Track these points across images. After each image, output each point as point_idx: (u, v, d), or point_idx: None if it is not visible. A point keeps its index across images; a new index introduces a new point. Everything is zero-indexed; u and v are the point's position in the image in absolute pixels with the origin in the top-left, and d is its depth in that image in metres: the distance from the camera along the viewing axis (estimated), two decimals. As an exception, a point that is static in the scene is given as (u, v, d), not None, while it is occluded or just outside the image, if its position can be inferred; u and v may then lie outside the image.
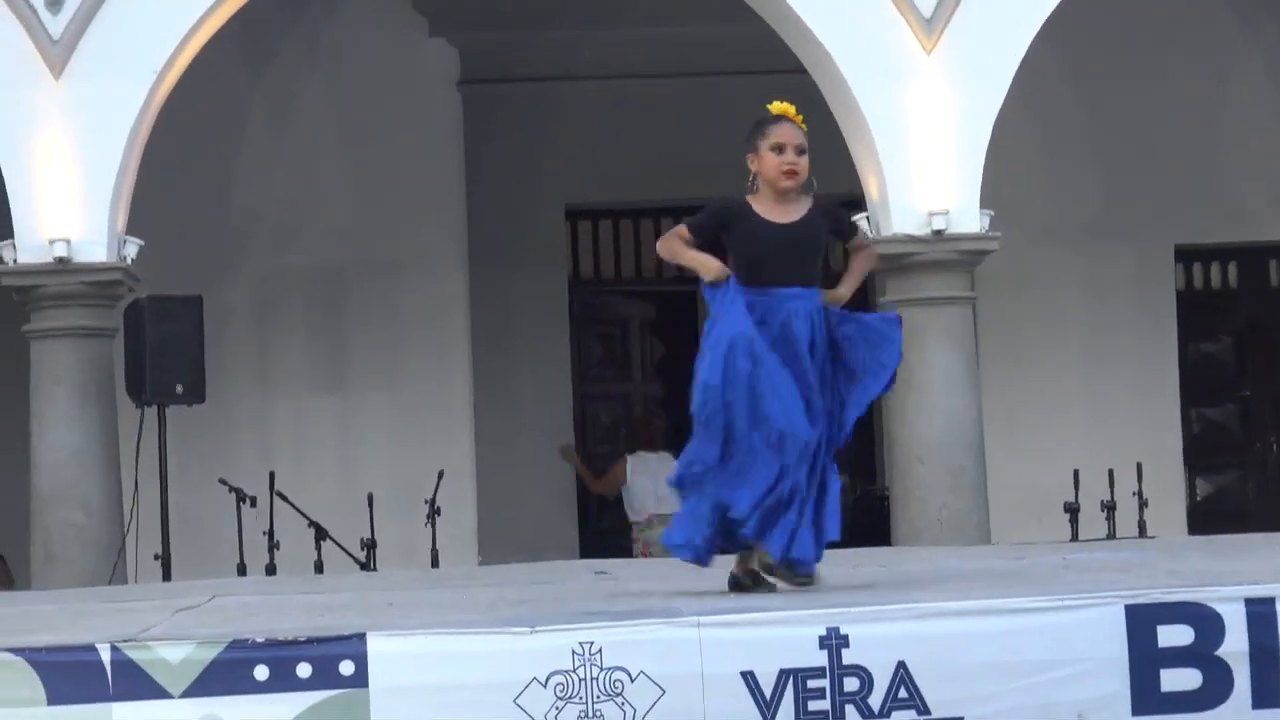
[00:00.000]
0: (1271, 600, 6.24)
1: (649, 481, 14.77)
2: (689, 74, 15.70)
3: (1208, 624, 6.20)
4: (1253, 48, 16.09)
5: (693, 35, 15.51)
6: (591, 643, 6.00)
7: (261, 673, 5.93)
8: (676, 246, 7.23)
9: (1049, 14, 12.27)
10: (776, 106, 7.35)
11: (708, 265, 7.14)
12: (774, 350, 7.04)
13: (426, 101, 15.84)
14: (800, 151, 7.21)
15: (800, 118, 7.32)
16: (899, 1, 12.06)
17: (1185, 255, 16.24)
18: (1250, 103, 16.09)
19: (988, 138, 12.14)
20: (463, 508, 15.31)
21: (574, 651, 5.99)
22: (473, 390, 15.79)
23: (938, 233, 11.93)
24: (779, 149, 7.20)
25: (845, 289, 7.28)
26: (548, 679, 5.98)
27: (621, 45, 15.75)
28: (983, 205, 12.10)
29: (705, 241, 7.23)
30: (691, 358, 18.65)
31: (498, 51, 15.82)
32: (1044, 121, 15.75)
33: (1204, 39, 15.98)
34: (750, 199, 7.25)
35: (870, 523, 14.29)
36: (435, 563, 13.71)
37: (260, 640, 5.97)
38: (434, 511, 13.85)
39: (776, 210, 7.18)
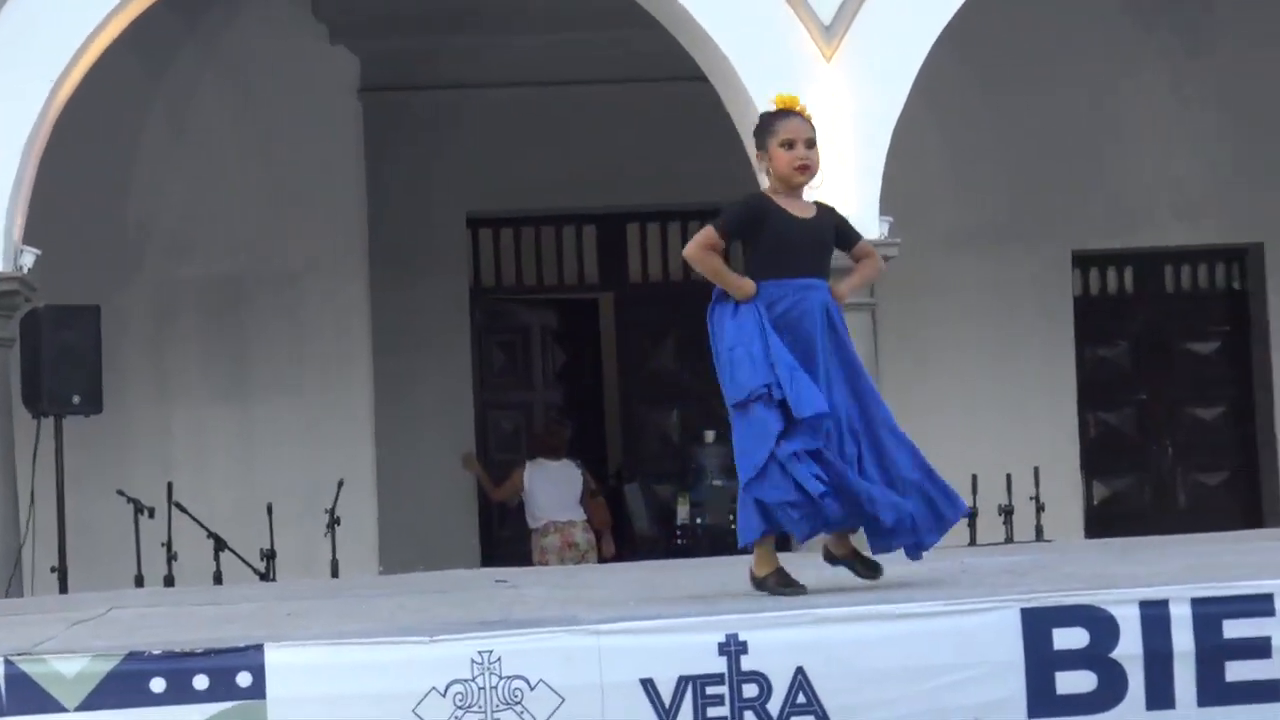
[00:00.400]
0: (1165, 603, 6.30)
1: (549, 488, 14.78)
2: (589, 81, 15.72)
3: (1102, 627, 6.25)
4: (1152, 55, 16.23)
5: (593, 43, 15.52)
6: (490, 651, 5.99)
7: (158, 685, 5.89)
8: (716, 264, 7.13)
9: (949, 21, 12.33)
10: (781, 99, 7.27)
11: (744, 289, 7.10)
12: (786, 335, 7.07)
13: (327, 109, 15.78)
14: (810, 145, 7.16)
15: (804, 108, 7.26)
16: (798, 8, 12.10)
17: (1083, 261, 16.37)
18: (1149, 110, 16.24)
19: (887, 144, 12.18)
20: (363, 517, 15.25)
21: (473, 660, 5.98)
22: (373, 398, 15.74)
23: (838, 239, 11.93)
24: (789, 145, 7.13)
25: (846, 288, 7.24)
26: (447, 688, 5.97)
27: (522, 53, 15.74)
28: (884, 211, 12.14)
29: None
30: (592, 366, 18.76)
31: (398, 59, 15.78)
32: (946, 128, 15.85)
33: (1104, 46, 16.12)
34: (767, 194, 7.20)
35: (772, 529, 14.32)
36: (335, 572, 13.67)
37: (157, 652, 5.94)
38: (334, 521, 13.80)
39: (793, 205, 7.15)
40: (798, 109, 7.21)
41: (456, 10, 15.57)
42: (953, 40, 12.72)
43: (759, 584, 7.05)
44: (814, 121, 7.22)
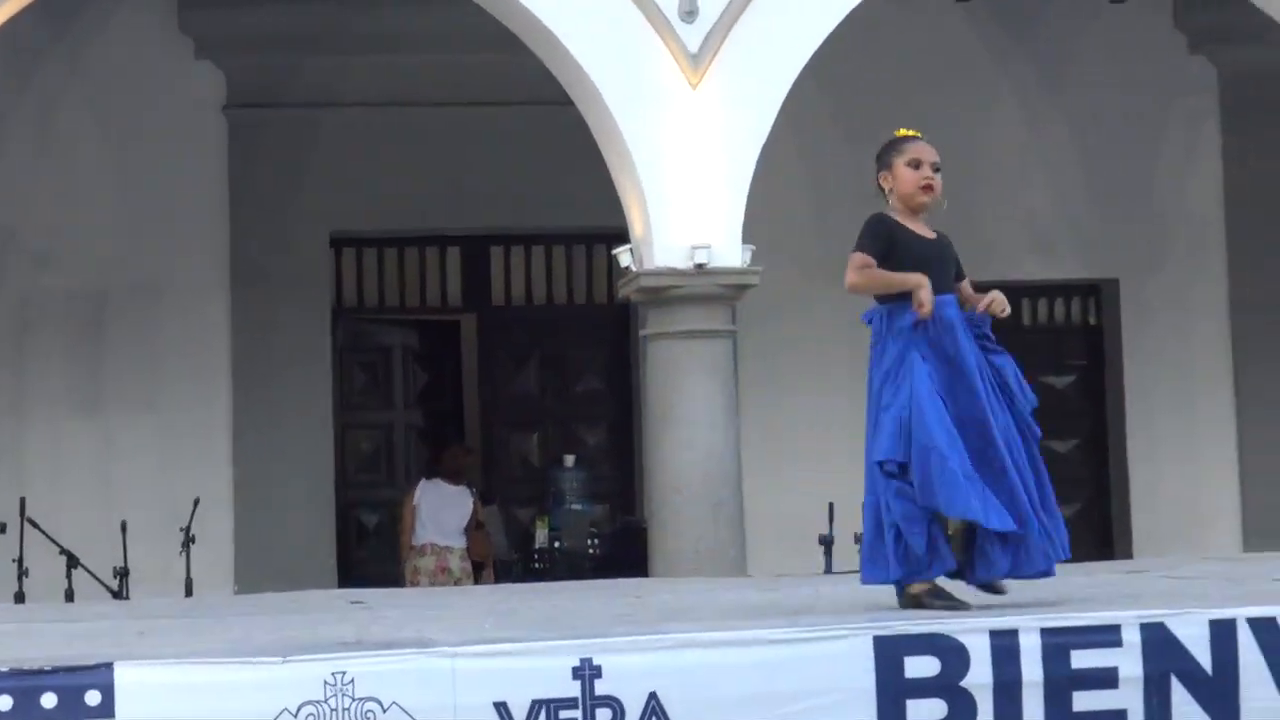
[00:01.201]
0: (1015, 633, 6.37)
1: (436, 511, 14.74)
2: (456, 103, 15.70)
3: (953, 655, 6.31)
4: (1007, 92, 16.44)
5: (461, 65, 15.52)
6: (344, 673, 5.97)
7: (5, 703, 5.82)
8: (879, 273, 7.15)
9: (813, 53, 12.42)
10: (905, 131, 7.42)
11: (919, 280, 7.07)
12: (935, 356, 7.14)
13: (191, 125, 15.68)
14: (936, 169, 7.26)
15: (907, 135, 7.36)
16: (666, 36, 12.16)
17: (943, 292, 16.51)
18: (1005, 144, 16.44)
19: (751, 173, 12.26)
20: (220, 535, 15.14)
21: (326, 682, 5.95)
22: (232, 417, 15.63)
23: (700, 266, 12.02)
24: (915, 164, 7.25)
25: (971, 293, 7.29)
26: (299, 709, 5.93)
27: (389, 73, 15.71)
28: (746, 239, 12.21)
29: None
30: (453, 388, 18.64)
31: (265, 76, 15.70)
32: (811, 158, 15.96)
33: (961, 81, 16.30)
34: (888, 215, 7.26)
35: (628, 553, 14.37)
36: (190, 591, 13.55)
37: (5, 670, 5.87)
38: (189, 539, 13.68)
39: (915, 226, 7.23)
40: (921, 138, 7.32)
41: (324, 28, 15.52)
42: (816, 72, 12.82)
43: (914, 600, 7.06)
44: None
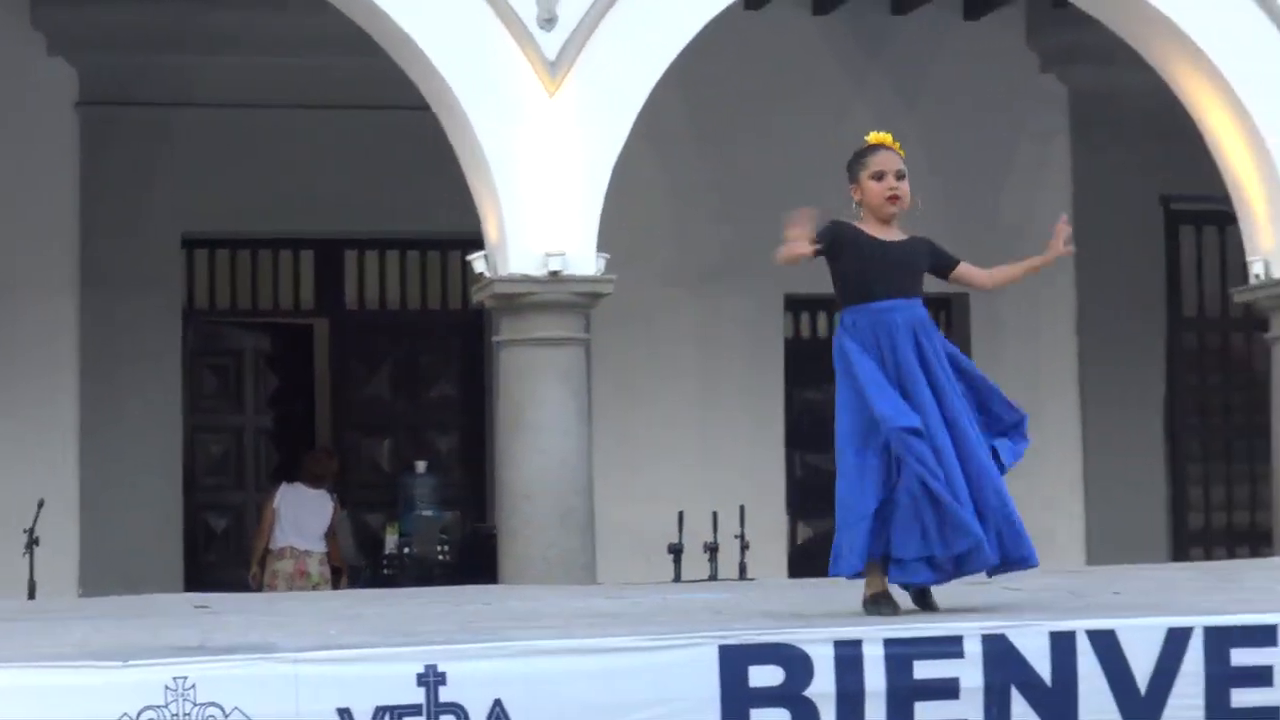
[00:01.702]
0: (859, 643, 6.43)
1: (296, 514, 14.69)
2: (313, 106, 15.62)
3: (797, 665, 6.36)
4: (862, 103, 16.53)
5: (317, 67, 15.43)
6: (185, 678, 5.92)
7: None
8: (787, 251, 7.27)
9: (670, 63, 12.46)
10: (874, 136, 7.52)
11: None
12: (872, 356, 7.26)
13: (43, 121, 15.49)
14: (900, 176, 7.41)
15: (898, 145, 7.49)
16: (523, 42, 12.16)
17: (795, 304, 16.63)
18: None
19: (607, 180, 12.28)
20: (65, 537, 14.95)
21: (167, 687, 5.90)
22: (80, 417, 15.45)
23: (554, 274, 12.02)
24: (879, 176, 7.38)
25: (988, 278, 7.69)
26: (139, 714, 5.88)
27: (245, 74, 15.60)
28: (601, 248, 12.23)
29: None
30: (305, 392, 18.58)
31: (118, 74, 15.54)
32: (667, 168, 16.01)
33: (817, 93, 16.39)
34: (857, 224, 7.41)
35: (478, 560, 14.35)
36: (32, 594, 13.38)
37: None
38: (32, 541, 13.50)
39: (883, 231, 7.36)
40: (889, 144, 7.46)
41: (179, 27, 15.39)
42: (675, 81, 12.87)
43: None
44: (904, 156, 7.50)
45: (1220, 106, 13.07)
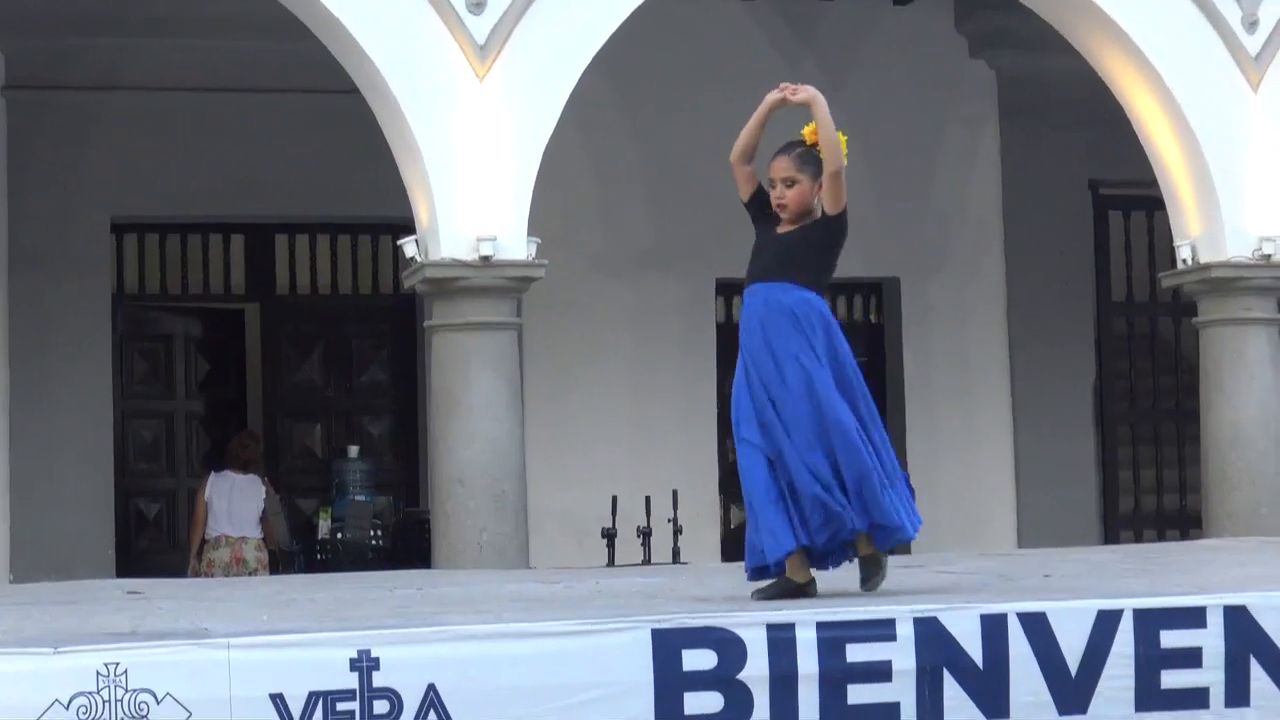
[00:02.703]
0: (791, 626, 6.45)
1: (227, 501, 14.60)
2: (242, 89, 15.55)
3: (730, 649, 6.38)
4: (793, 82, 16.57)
5: (246, 50, 15.37)
6: (117, 664, 5.90)
7: None
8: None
9: (602, 45, 12.46)
10: (807, 131, 7.81)
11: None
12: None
13: (-32, 105, 15.40)
14: (789, 184, 7.60)
15: (807, 134, 7.77)
16: (452, 26, 12.13)
17: (726, 288, 16.64)
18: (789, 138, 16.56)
19: (538, 165, 12.27)
20: (-6, 523, 14.88)
21: (99, 673, 5.88)
22: (8, 403, 15.36)
23: (485, 258, 12.01)
24: (773, 184, 7.64)
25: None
26: (70, 701, 5.85)
27: (173, 57, 15.52)
28: (532, 232, 12.22)
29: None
30: (236, 377, 18.45)
31: (45, 58, 15.44)
32: (597, 153, 16.02)
33: (751, 78, 16.32)
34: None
35: (412, 545, 14.34)
36: (-38, 581, 13.32)
37: None
38: (-38, 527, 13.44)
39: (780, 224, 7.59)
40: (798, 142, 7.75)
41: (105, 10, 15.29)
42: (604, 65, 12.87)
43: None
44: (811, 150, 7.74)
45: (1147, 92, 13.15)
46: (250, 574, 14.45)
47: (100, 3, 15.27)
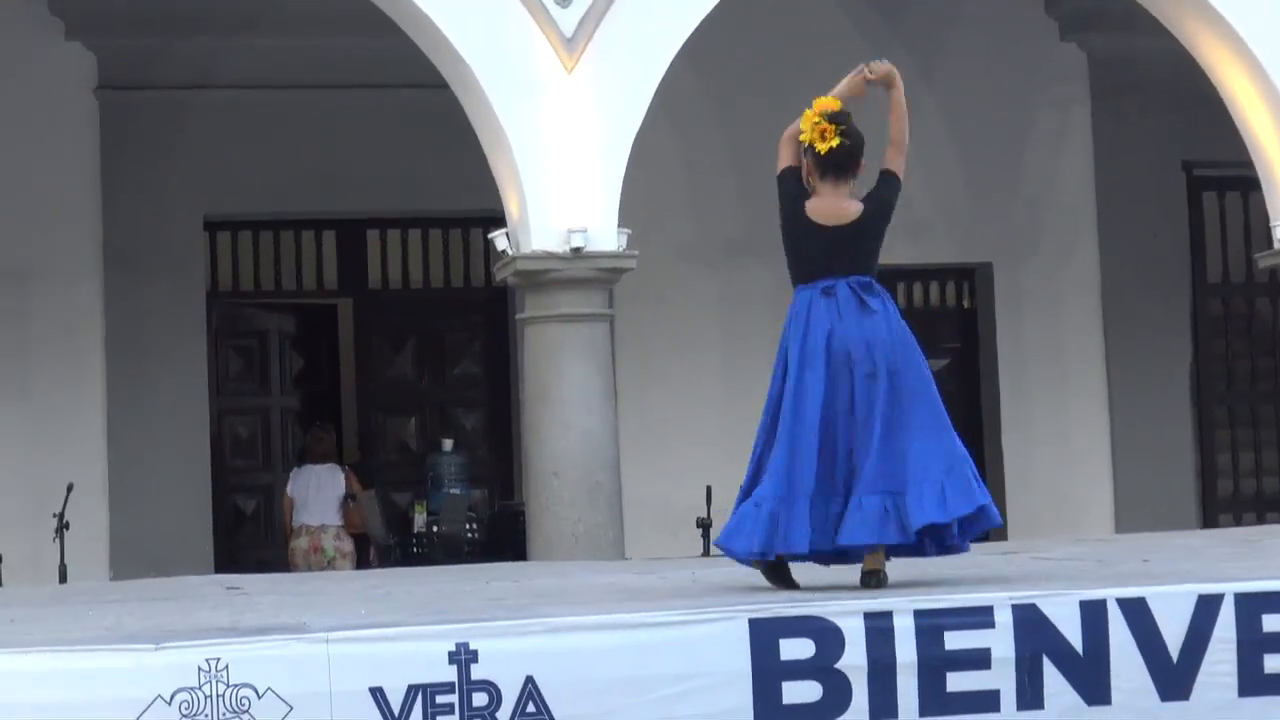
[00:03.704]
0: (889, 615, 6.43)
1: (307, 493, 14.90)
2: (332, 86, 15.61)
3: (828, 637, 6.36)
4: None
5: (336, 47, 15.42)
6: (218, 659, 5.94)
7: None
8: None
9: (689, 36, 12.45)
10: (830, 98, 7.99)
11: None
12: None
13: (62, 106, 15.50)
14: None
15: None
16: (540, 19, 12.15)
17: (817, 276, 16.59)
18: (880, 128, 16.48)
19: (627, 156, 12.27)
20: (95, 522, 14.98)
21: (200, 668, 5.93)
22: (106, 401, 15.48)
23: (576, 250, 12.02)
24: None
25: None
26: (172, 696, 5.91)
27: (263, 55, 15.59)
28: (622, 223, 12.22)
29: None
30: (330, 373, 18.53)
31: (136, 57, 15.54)
32: (685, 142, 16.00)
33: (837, 65, 16.20)
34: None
35: (507, 537, 14.37)
36: (64, 578, 13.42)
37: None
38: (62, 525, 13.54)
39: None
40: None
41: (195, 9, 15.38)
42: (691, 55, 12.85)
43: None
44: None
45: (1240, 71, 13.02)
46: (329, 562, 14.65)
47: (190, 2, 15.37)
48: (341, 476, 15.06)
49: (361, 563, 15.06)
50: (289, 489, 15.10)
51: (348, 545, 14.96)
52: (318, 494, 14.93)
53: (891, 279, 16.66)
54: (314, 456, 15.22)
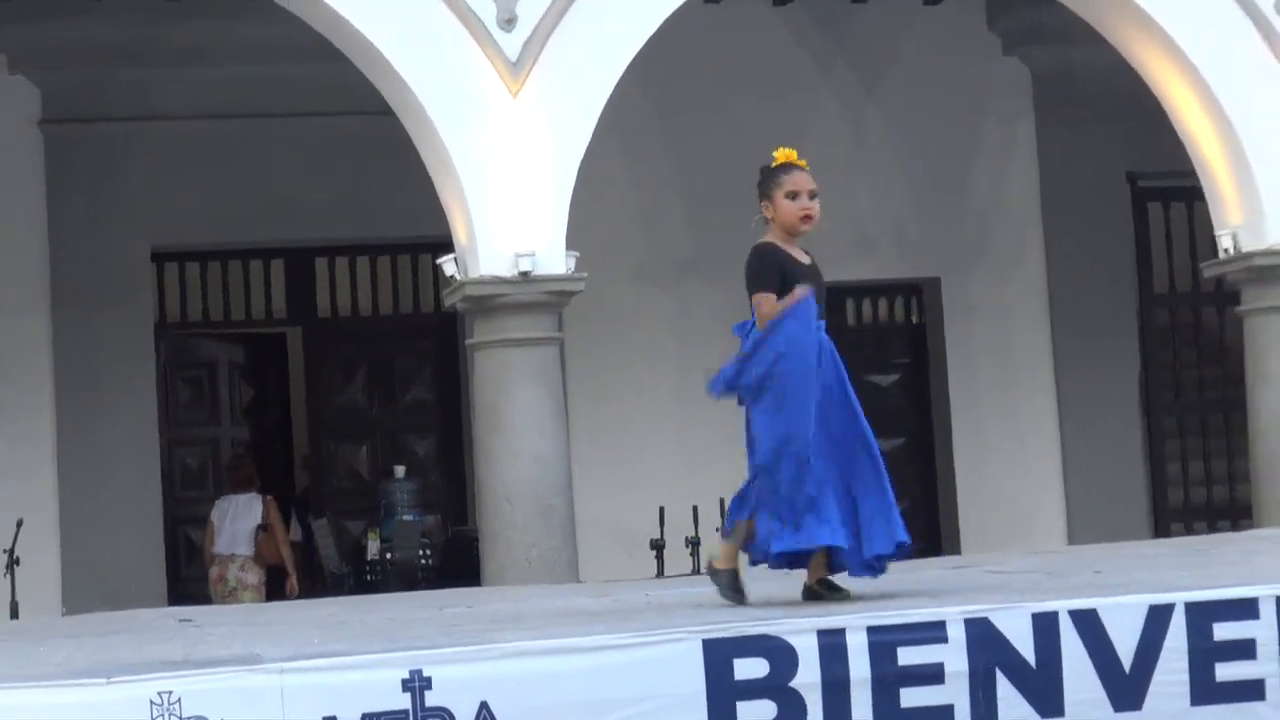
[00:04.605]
0: (841, 632, 6.43)
1: (225, 523, 14.87)
2: (277, 115, 15.61)
3: (781, 656, 6.36)
4: (827, 92, 16.58)
5: (280, 75, 15.42)
6: (170, 692, 5.92)
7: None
8: (778, 307, 7.45)
9: (634, 57, 12.46)
10: (783, 153, 7.65)
11: (802, 291, 7.41)
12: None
13: (6, 140, 15.47)
14: (813, 196, 7.57)
15: (804, 162, 7.63)
16: (485, 44, 12.15)
17: (768, 295, 16.61)
18: (829, 147, 16.55)
19: (574, 179, 12.28)
20: (46, 556, 14.92)
21: (152, 701, 5.90)
22: (56, 435, 15.42)
23: (524, 274, 12.02)
24: (794, 196, 7.54)
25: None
26: (126, 730, 5.88)
27: (208, 85, 15.58)
28: (571, 246, 12.23)
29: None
30: (280, 401, 18.44)
31: (81, 90, 15.51)
32: (634, 164, 16.02)
33: (782, 83, 16.41)
34: (775, 240, 7.56)
35: (461, 563, 14.35)
36: (15, 614, 13.36)
37: None
38: (13, 561, 13.48)
39: (795, 252, 7.55)
40: (799, 163, 7.59)
41: (139, 41, 15.36)
42: (637, 76, 12.87)
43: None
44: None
45: (1183, 82, 13.10)
46: (230, 592, 14.63)
47: (133, 34, 15.34)
48: (259, 506, 15.02)
49: (273, 595, 14.96)
50: (212, 518, 15.09)
51: (252, 577, 14.91)
52: (231, 523, 14.96)
53: (840, 295, 16.78)
54: (233, 484, 15.21)
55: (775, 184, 7.60)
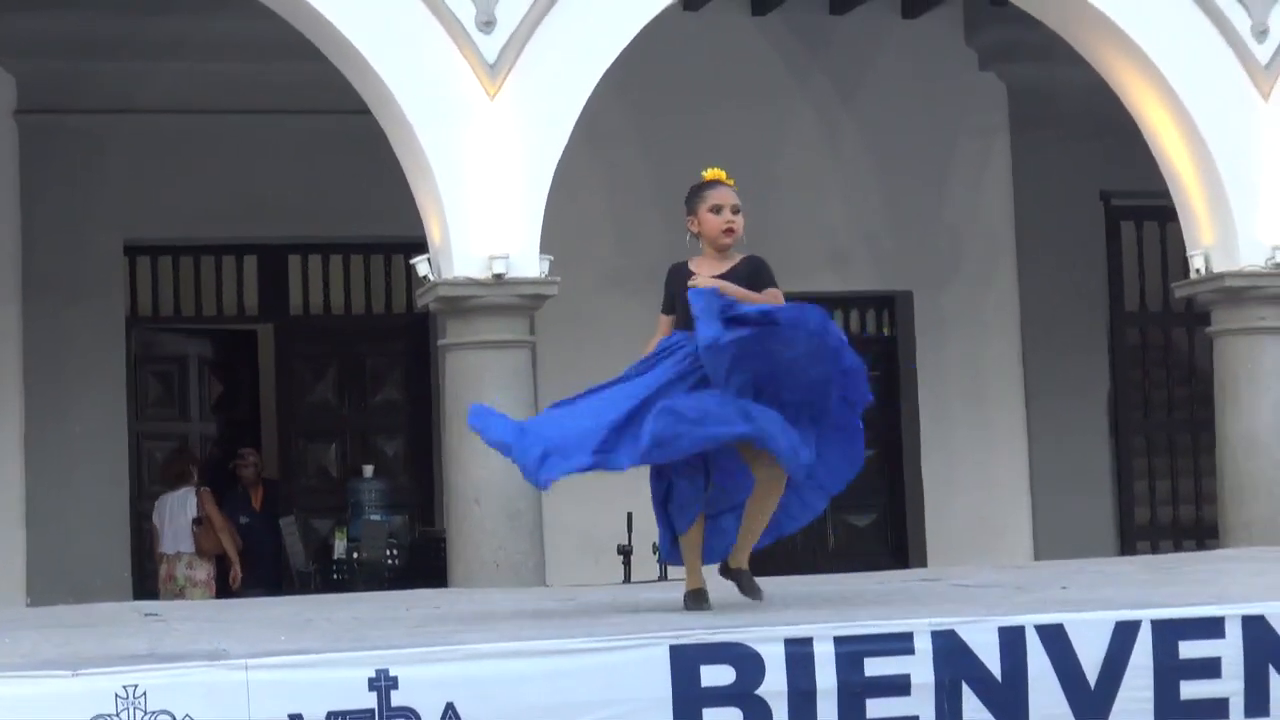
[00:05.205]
0: (809, 641, 6.44)
1: (164, 521, 14.87)
2: (253, 111, 15.59)
3: (748, 664, 6.37)
4: (804, 102, 16.61)
5: (257, 72, 15.40)
6: (136, 685, 5.90)
7: None
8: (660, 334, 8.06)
9: (612, 62, 12.47)
10: (711, 172, 7.96)
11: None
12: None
13: (-20, 130, 15.44)
14: (735, 210, 7.84)
15: (732, 181, 7.93)
16: (463, 45, 12.15)
17: (740, 304, 16.62)
18: (802, 157, 16.60)
19: (549, 182, 12.27)
20: (11, 548, 14.90)
21: (117, 695, 5.89)
22: (24, 427, 15.38)
23: (498, 276, 12.02)
24: (717, 210, 7.83)
25: (734, 289, 7.68)
26: (90, 723, 5.86)
27: (184, 80, 15.55)
28: (545, 249, 12.23)
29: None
30: (250, 398, 18.43)
31: (56, 81, 15.48)
32: (609, 169, 16.03)
33: (759, 94, 16.44)
34: (693, 260, 7.91)
35: (428, 564, 14.33)
36: (-20, 605, 13.34)
37: None
38: (-22, 551, 13.47)
39: (713, 265, 7.81)
40: (724, 180, 7.92)
41: (117, 34, 15.33)
42: (615, 82, 12.88)
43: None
44: (737, 190, 7.93)
45: (1158, 102, 13.14)
46: (180, 590, 14.62)
47: (110, 26, 15.31)
48: (192, 500, 15.04)
49: (222, 590, 14.95)
50: (154, 517, 15.09)
51: (200, 573, 14.91)
52: (171, 521, 14.97)
53: (814, 306, 16.79)
54: (166, 480, 15.24)
55: (700, 199, 7.91)
